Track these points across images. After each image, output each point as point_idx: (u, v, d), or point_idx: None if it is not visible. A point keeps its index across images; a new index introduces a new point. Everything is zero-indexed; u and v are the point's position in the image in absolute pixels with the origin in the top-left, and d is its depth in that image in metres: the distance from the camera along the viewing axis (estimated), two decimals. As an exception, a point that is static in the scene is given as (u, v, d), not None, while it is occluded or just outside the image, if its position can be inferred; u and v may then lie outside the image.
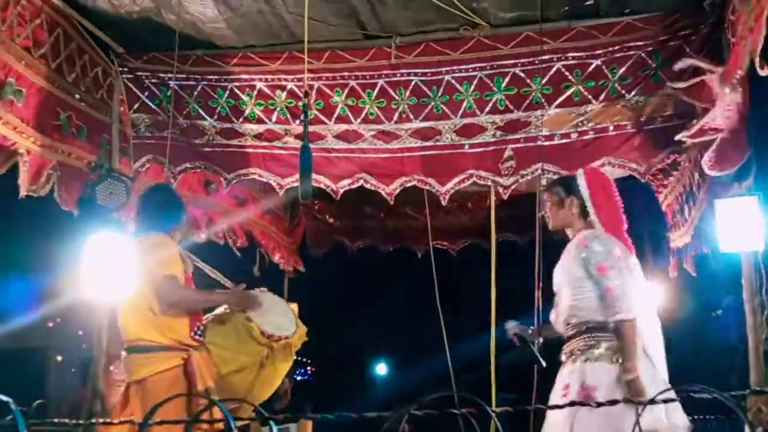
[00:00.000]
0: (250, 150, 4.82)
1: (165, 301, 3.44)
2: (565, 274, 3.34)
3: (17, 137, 4.04)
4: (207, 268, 3.98)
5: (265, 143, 4.79)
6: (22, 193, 4.20)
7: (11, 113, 3.96)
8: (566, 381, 3.18)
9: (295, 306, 3.93)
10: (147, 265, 3.50)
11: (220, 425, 3.16)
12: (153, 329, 3.46)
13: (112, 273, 4.41)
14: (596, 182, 3.41)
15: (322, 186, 4.69)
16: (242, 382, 3.58)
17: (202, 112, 4.81)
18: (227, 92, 4.74)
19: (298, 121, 4.68)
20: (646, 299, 3.34)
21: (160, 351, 3.44)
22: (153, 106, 4.84)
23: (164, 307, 3.44)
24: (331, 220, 7.44)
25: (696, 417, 5.67)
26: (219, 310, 3.77)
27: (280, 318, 3.74)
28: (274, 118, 4.74)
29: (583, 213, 3.36)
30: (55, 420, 1.65)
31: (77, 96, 4.49)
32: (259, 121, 4.77)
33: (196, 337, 3.54)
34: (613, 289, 3.10)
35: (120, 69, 4.80)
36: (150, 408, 3.01)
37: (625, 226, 3.41)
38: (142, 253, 3.56)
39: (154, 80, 4.80)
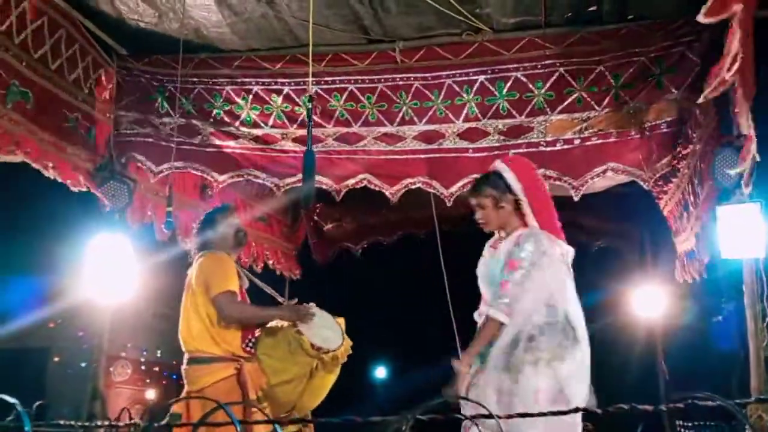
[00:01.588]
0: (246, 152, 4.83)
1: (225, 315, 3.64)
2: (487, 270, 3.16)
3: (28, 138, 4.06)
4: (261, 284, 4.14)
5: (262, 145, 4.80)
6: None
7: (21, 114, 3.98)
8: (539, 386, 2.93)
9: (341, 320, 4.04)
10: (207, 281, 3.69)
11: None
12: (209, 341, 3.65)
13: (114, 274, 4.44)
14: (525, 173, 3.19)
15: (324, 187, 4.70)
16: (292, 392, 3.71)
17: (197, 114, 4.81)
18: (223, 96, 4.75)
19: (295, 125, 4.69)
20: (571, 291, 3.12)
21: (216, 362, 3.63)
22: (144, 106, 4.84)
23: (224, 320, 3.64)
24: (332, 226, 7.41)
25: (696, 423, 5.71)
26: (270, 324, 3.91)
27: (328, 332, 3.87)
28: (270, 122, 4.75)
29: (517, 208, 3.13)
30: (61, 422, 1.66)
31: (80, 98, 4.50)
32: (255, 125, 4.77)
33: (248, 348, 3.73)
34: (508, 286, 2.98)
35: (119, 70, 4.81)
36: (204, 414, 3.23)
37: (555, 212, 3.20)
38: (204, 269, 3.74)
39: (154, 82, 4.82)
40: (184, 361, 3.73)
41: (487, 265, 3.19)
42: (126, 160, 4.86)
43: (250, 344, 3.74)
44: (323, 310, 4.00)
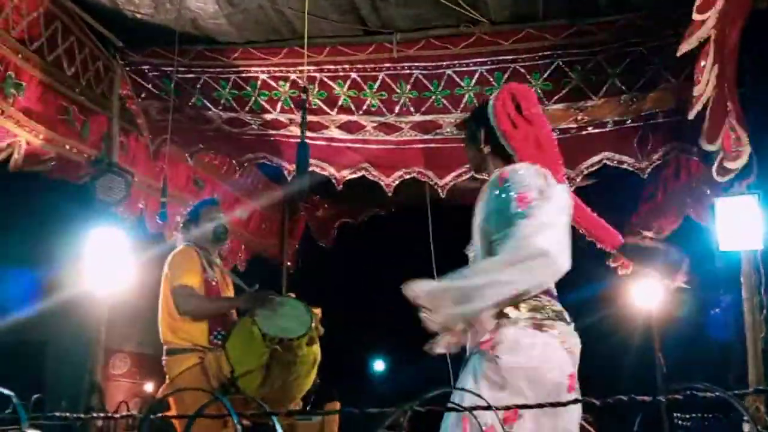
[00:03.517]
0: (257, 137, 4.92)
1: (179, 308, 3.71)
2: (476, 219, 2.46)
3: (19, 131, 4.03)
4: (232, 276, 4.13)
5: (271, 131, 4.87)
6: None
7: (13, 107, 3.96)
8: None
9: (318, 310, 3.89)
10: (169, 275, 3.78)
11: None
12: (172, 333, 3.73)
13: (112, 267, 4.44)
14: (504, 104, 2.45)
15: (326, 173, 4.77)
16: (253, 383, 3.60)
17: (207, 103, 4.84)
18: (230, 84, 4.76)
19: (302, 111, 4.73)
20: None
21: (180, 353, 3.69)
22: (159, 93, 4.86)
23: (180, 313, 3.71)
24: (332, 210, 7.38)
25: (693, 415, 5.73)
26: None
27: (289, 321, 3.74)
28: (278, 109, 4.79)
29: (497, 146, 2.45)
30: (56, 414, 1.66)
31: (77, 90, 4.47)
32: (264, 111, 4.82)
33: (215, 340, 3.74)
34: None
35: (123, 62, 4.80)
36: (180, 406, 3.32)
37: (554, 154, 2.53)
38: (169, 263, 3.82)
39: (156, 73, 4.81)
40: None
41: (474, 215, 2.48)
42: (162, 141, 4.93)
43: (219, 336, 3.74)
44: (297, 300, 3.89)
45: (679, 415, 5.61)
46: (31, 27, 4.02)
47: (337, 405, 4.92)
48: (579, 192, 5.01)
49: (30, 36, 4.03)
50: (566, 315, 2.27)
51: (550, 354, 2.15)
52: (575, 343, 2.26)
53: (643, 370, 7.05)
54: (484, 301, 2.08)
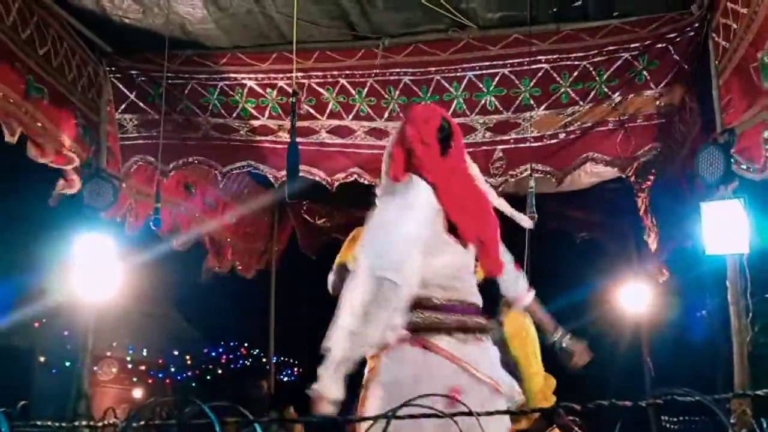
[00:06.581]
0: (245, 143, 4.88)
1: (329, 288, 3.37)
2: None
3: (42, 135, 4.02)
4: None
5: (259, 137, 4.84)
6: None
7: (39, 110, 3.95)
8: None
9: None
10: None
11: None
12: None
13: (99, 273, 4.41)
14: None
15: (317, 179, 4.75)
16: None
17: (195, 109, 4.82)
18: (218, 90, 4.75)
19: (290, 118, 4.71)
20: None
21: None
22: (143, 105, 4.83)
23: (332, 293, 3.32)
24: (321, 221, 7.40)
25: (681, 418, 5.76)
26: None
27: None
28: (266, 115, 4.77)
29: None
30: (38, 423, 1.64)
31: (75, 95, 4.46)
32: (252, 117, 4.80)
33: None
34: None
35: (108, 69, 4.78)
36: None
37: None
38: None
39: (144, 78, 4.79)
40: None
41: None
42: (134, 163, 4.88)
43: None
44: None
45: (666, 418, 5.64)
46: (36, 33, 3.99)
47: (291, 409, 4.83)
48: (606, 194, 5.03)
49: (39, 41, 4.01)
50: None
51: None
52: None
53: (631, 374, 7.08)
54: None
